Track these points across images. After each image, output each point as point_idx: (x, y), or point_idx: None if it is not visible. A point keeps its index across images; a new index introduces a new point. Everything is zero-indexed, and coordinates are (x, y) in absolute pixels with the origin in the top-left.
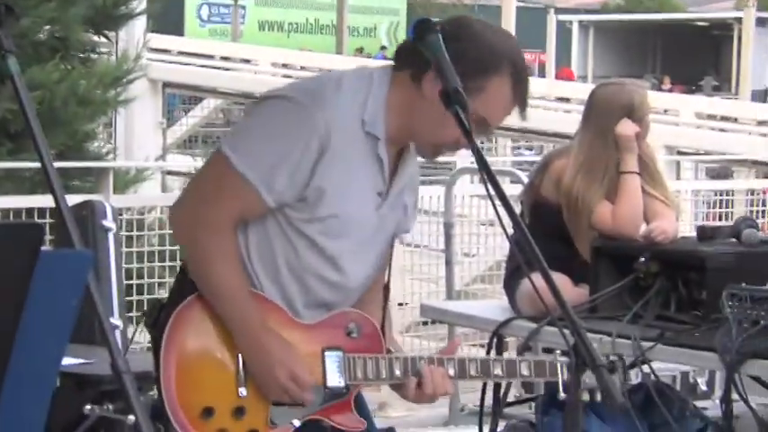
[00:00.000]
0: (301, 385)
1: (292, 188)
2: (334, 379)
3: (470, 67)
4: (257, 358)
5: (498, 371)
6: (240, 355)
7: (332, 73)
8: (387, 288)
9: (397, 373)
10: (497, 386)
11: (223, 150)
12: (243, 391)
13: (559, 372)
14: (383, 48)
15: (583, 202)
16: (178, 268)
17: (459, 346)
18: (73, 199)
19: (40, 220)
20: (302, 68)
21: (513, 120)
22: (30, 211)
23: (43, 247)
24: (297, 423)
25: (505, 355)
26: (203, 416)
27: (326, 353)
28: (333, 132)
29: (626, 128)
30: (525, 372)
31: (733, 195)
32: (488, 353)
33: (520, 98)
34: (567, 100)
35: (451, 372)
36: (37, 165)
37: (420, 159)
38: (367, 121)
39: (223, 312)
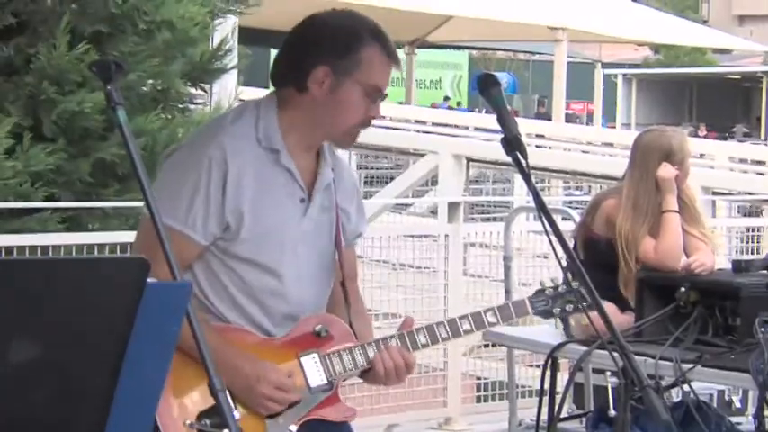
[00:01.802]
0: (287, 390)
1: (212, 219)
2: (316, 378)
3: (339, 50)
4: (237, 382)
5: (467, 326)
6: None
7: (217, 117)
8: (344, 285)
9: (372, 355)
10: (552, 402)
11: (145, 212)
12: (236, 413)
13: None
14: (446, 98)
15: (630, 238)
16: None
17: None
18: None
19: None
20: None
21: (565, 163)
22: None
23: (148, 279)
24: (294, 428)
25: (558, 375)
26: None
27: (302, 357)
28: (229, 156)
29: (665, 171)
30: (492, 320)
31: (763, 231)
32: (543, 374)
33: (392, 54)
34: (611, 145)
35: (423, 340)
36: (141, 204)
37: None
38: (261, 139)
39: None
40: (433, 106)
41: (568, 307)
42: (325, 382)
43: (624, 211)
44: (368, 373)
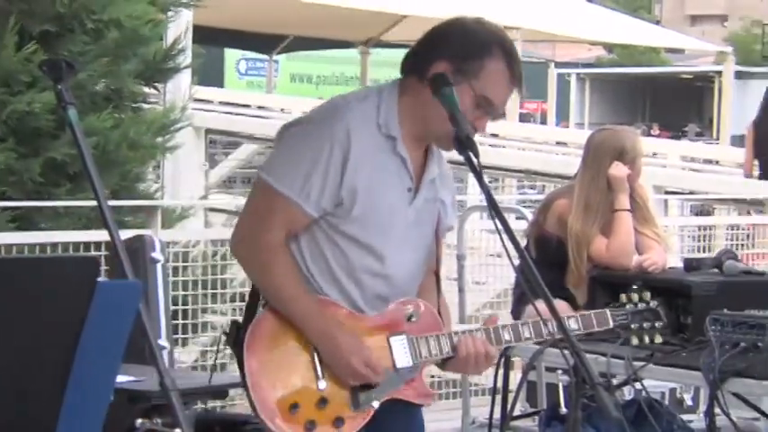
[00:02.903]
0: (374, 369)
1: (327, 194)
2: (403, 360)
3: (465, 52)
4: (331, 351)
5: (548, 329)
6: (315, 352)
7: (341, 95)
8: (437, 275)
9: (507, 337)
10: (505, 400)
11: (262, 178)
12: (322, 383)
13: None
14: None
15: (581, 236)
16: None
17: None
18: (125, 234)
19: (95, 253)
20: None
21: (518, 162)
22: (87, 245)
23: (99, 278)
24: (376, 404)
25: (511, 374)
26: (291, 411)
27: (391, 338)
28: (352, 137)
29: (617, 170)
30: (574, 326)
31: (715, 230)
32: (496, 372)
33: (516, 76)
34: (564, 144)
35: (507, 336)
36: (93, 203)
37: None
38: (382, 125)
39: (294, 317)
40: None
41: (646, 324)
42: (411, 364)
43: (575, 209)
44: (449, 361)
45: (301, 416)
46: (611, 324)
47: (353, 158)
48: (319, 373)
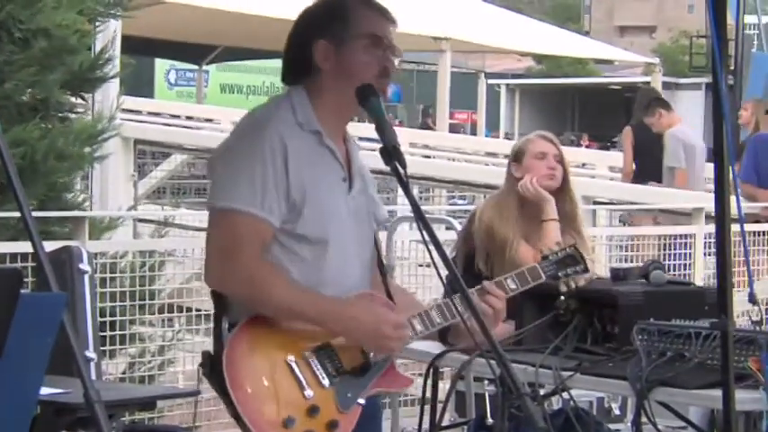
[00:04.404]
0: (404, 326)
1: (283, 200)
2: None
3: (326, 19)
4: (359, 331)
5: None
6: (293, 363)
7: (254, 110)
8: (380, 263)
9: (419, 328)
10: (434, 410)
11: (218, 207)
12: (308, 392)
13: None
14: None
15: (504, 246)
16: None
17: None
18: (52, 244)
19: (22, 264)
20: None
21: (448, 172)
22: (13, 256)
23: (23, 290)
24: (362, 401)
25: (440, 384)
26: (287, 426)
27: None
28: (285, 140)
29: (525, 186)
30: (513, 285)
31: (642, 240)
32: (425, 382)
33: (378, 7)
34: (494, 155)
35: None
36: (18, 214)
37: None
38: (303, 123)
39: (308, 319)
40: None
41: (570, 270)
42: (384, 355)
43: (497, 219)
44: (453, 333)
45: (298, 428)
46: (543, 277)
47: (292, 159)
48: (303, 382)
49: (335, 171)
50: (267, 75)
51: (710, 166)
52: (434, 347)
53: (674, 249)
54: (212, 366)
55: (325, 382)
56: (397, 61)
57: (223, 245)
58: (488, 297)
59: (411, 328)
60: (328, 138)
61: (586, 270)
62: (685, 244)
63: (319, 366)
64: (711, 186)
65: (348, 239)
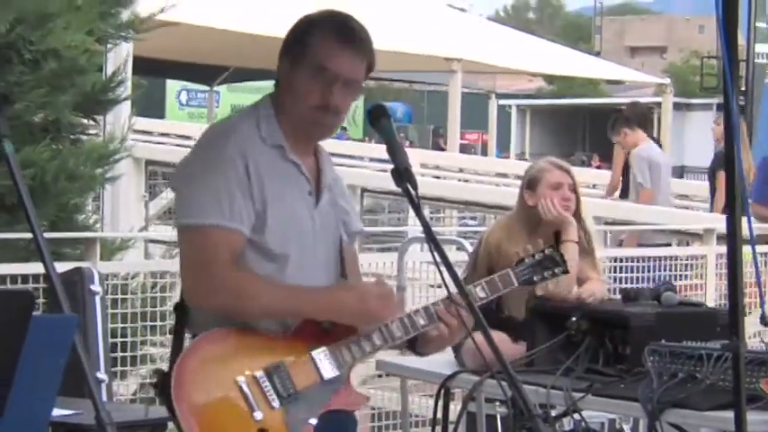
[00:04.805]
0: (390, 294)
1: (249, 206)
2: (329, 371)
3: (291, 41)
4: (347, 312)
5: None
6: (243, 385)
7: (217, 123)
8: (343, 276)
9: (378, 342)
10: (445, 431)
11: (186, 224)
12: (258, 414)
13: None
14: (344, 128)
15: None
16: (169, 330)
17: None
18: (64, 266)
19: (34, 285)
20: None
21: (459, 193)
22: (25, 277)
23: (35, 312)
24: (314, 421)
25: (451, 405)
26: None
27: (312, 352)
28: (247, 153)
29: (544, 209)
30: (482, 294)
31: (654, 262)
32: (436, 403)
33: (345, 38)
34: (505, 175)
35: (422, 321)
36: (30, 235)
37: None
38: (266, 137)
39: (295, 314)
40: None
41: (546, 273)
42: (338, 373)
43: (505, 241)
44: (422, 342)
45: None
46: (516, 283)
47: (253, 172)
48: (253, 404)
49: (300, 185)
50: None
51: (685, 182)
52: (445, 368)
53: (686, 270)
54: (163, 386)
55: (275, 403)
56: (346, 98)
57: (198, 261)
58: (455, 308)
59: (388, 332)
60: (293, 152)
61: (566, 271)
62: (697, 265)
63: (270, 387)
64: (678, 202)
65: (310, 254)
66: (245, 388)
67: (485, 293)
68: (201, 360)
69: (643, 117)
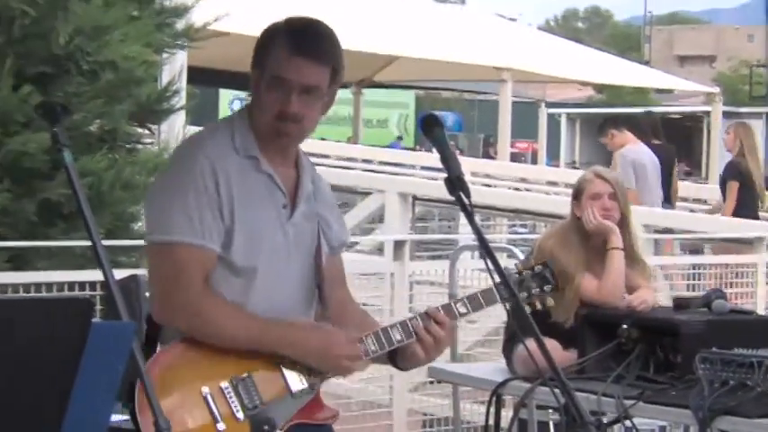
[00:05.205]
0: (355, 344)
1: (218, 220)
2: (297, 384)
3: (257, 51)
4: (311, 352)
5: (463, 309)
6: (208, 395)
7: (192, 135)
8: (320, 287)
9: (373, 347)
10: None
11: (155, 241)
12: (221, 425)
13: (497, 295)
14: (400, 138)
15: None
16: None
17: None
18: (120, 273)
19: (90, 292)
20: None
21: (509, 201)
22: (81, 284)
23: (94, 319)
24: None
25: (503, 412)
26: None
27: (282, 364)
28: (216, 165)
29: (588, 220)
30: (463, 310)
31: (705, 269)
32: (488, 410)
33: (298, 47)
34: (555, 184)
35: (399, 336)
36: (87, 243)
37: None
38: (239, 148)
39: (257, 347)
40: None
41: (534, 290)
42: (306, 386)
43: (557, 248)
44: (401, 356)
45: None
46: (499, 299)
47: (223, 184)
48: (216, 415)
49: (273, 198)
50: None
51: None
52: (497, 375)
53: (736, 278)
54: (130, 393)
55: (240, 414)
56: (308, 105)
57: (165, 279)
58: (432, 325)
59: (363, 346)
60: (268, 163)
61: (555, 288)
62: (747, 273)
63: (234, 398)
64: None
65: (282, 267)
66: (209, 399)
67: (466, 309)
68: (168, 368)
69: (655, 125)
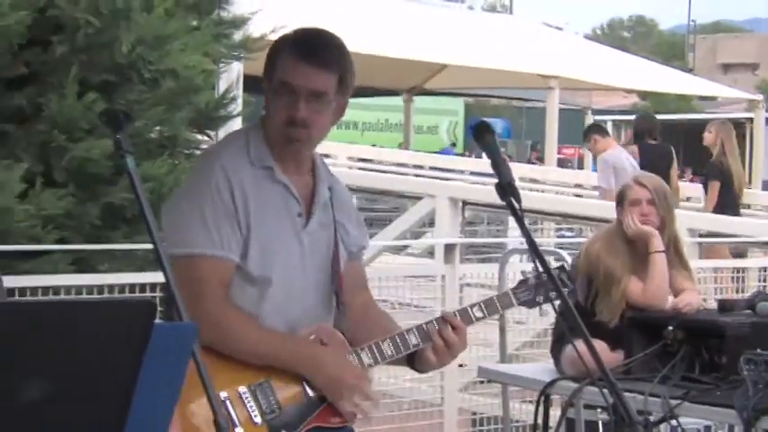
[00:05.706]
0: (365, 378)
1: (235, 231)
2: (313, 388)
3: (267, 61)
4: (321, 375)
5: (479, 314)
6: (226, 399)
7: (207, 147)
8: (338, 294)
9: (367, 361)
10: None
11: (173, 254)
12: (239, 430)
13: (513, 300)
14: (453, 144)
15: (608, 277)
16: None
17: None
18: None
19: (151, 294)
20: (373, 161)
21: (556, 205)
22: (142, 286)
23: (156, 320)
24: None
25: (551, 412)
26: None
27: None
28: (230, 176)
29: (628, 227)
30: (479, 314)
31: (749, 273)
32: (537, 410)
33: (304, 54)
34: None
35: (414, 340)
36: (148, 246)
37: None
38: (254, 160)
39: (275, 363)
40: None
41: (552, 294)
42: None
43: (604, 252)
44: (419, 360)
45: None
46: (516, 303)
47: (238, 195)
48: (234, 420)
49: (288, 207)
50: (381, 111)
51: None
52: (545, 375)
53: None
54: None
55: (258, 419)
56: (316, 111)
57: (186, 291)
58: (446, 329)
59: (378, 356)
60: (283, 173)
61: (571, 291)
62: None
63: (253, 403)
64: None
65: (295, 276)
66: (227, 404)
67: (482, 314)
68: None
69: (652, 127)
